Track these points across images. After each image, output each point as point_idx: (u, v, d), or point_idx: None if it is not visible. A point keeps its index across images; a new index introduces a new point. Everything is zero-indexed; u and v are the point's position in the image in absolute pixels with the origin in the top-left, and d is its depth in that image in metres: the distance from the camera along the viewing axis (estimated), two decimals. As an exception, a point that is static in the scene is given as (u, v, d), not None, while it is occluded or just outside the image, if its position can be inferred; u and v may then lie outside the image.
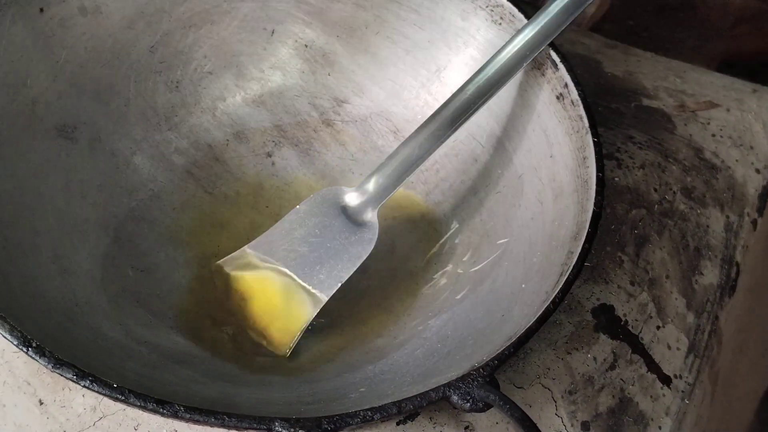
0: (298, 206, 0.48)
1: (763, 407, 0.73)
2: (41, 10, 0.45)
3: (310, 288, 0.45)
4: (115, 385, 0.31)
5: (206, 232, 0.49)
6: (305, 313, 0.44)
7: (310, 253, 0.46)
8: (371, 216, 0.47)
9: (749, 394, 0.68)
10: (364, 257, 0.46)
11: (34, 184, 0.43)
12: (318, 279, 0.45)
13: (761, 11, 1.11)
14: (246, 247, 0.47)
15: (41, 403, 0.41)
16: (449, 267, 0.49)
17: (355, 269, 0.46)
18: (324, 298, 0.45)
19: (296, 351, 0.44)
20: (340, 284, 0.45)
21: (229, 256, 0.47)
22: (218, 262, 0.47)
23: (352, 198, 0.48)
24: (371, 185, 0.47)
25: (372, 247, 0.46)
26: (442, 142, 0.46)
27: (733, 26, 1.08)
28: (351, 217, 0.47)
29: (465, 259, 0.48)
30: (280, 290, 0.46)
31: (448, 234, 0.50)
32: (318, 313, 0.44)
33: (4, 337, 0.32)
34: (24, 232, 0.41)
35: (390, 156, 0.47)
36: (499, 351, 0.35)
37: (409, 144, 0.46)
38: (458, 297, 0.46)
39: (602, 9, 0.84)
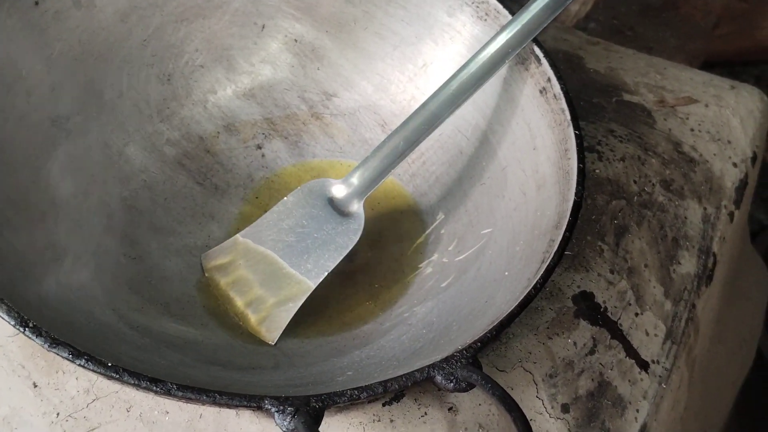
0: (286, 198, 0.49)
1: (742, 397, 0.75)
2: (36, 3, 0.46)
3: (298, 276, 0.46)
4: (109, 364, 0.32)
5: (197, 222, 0.50)
6: (293, 300, 0.45)
7: (298, 243, 0.47)
8: (357, 207, 0.48)
9: (728, 384, 0.70)
10: (351, 247, 0.47)
11: (28, 173, 0.44)
12: (305, 268, 0.46)
13: (743, 11, 1.12)
14: (238, 235, 0.48)
15: (35, 386, 0.42)
16: (435, 256, 0.50)
17: (341, 258, 0.47)
18: (312, 286, 0.46)
19: (284, 337, 0.45)
20: (327, 273, 0.46)
21: (219, 246, 0.48)
22: (207, 252, 0.48)
23: (338, 190, 0.49)
24: (357, 177, 0.48)
25: (358, 237, 0.48)
26: (427, 135, 0.47)
27: (715, 26, 1.09)
28: (338, 208, 0.48)
29: (450, 248, 0.50)
30: (267, 278, 0.46)
31: (434, 224, 0.52)
32: (305, 301, 0.45)
33: (1, 318, 0.33)
34: (18, 219, 0.42)
35: (376, 149, 0.48)
36: (482, 334, 0.36)
37: (394, 137, 0.47)
38: (443, 285, 0.47)
39: (586, 7, 0.85)
